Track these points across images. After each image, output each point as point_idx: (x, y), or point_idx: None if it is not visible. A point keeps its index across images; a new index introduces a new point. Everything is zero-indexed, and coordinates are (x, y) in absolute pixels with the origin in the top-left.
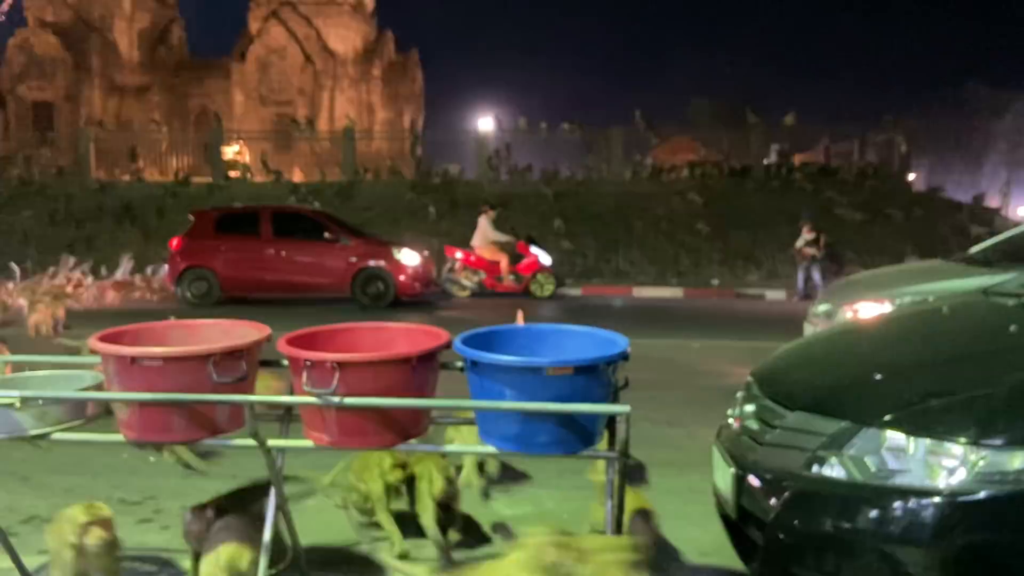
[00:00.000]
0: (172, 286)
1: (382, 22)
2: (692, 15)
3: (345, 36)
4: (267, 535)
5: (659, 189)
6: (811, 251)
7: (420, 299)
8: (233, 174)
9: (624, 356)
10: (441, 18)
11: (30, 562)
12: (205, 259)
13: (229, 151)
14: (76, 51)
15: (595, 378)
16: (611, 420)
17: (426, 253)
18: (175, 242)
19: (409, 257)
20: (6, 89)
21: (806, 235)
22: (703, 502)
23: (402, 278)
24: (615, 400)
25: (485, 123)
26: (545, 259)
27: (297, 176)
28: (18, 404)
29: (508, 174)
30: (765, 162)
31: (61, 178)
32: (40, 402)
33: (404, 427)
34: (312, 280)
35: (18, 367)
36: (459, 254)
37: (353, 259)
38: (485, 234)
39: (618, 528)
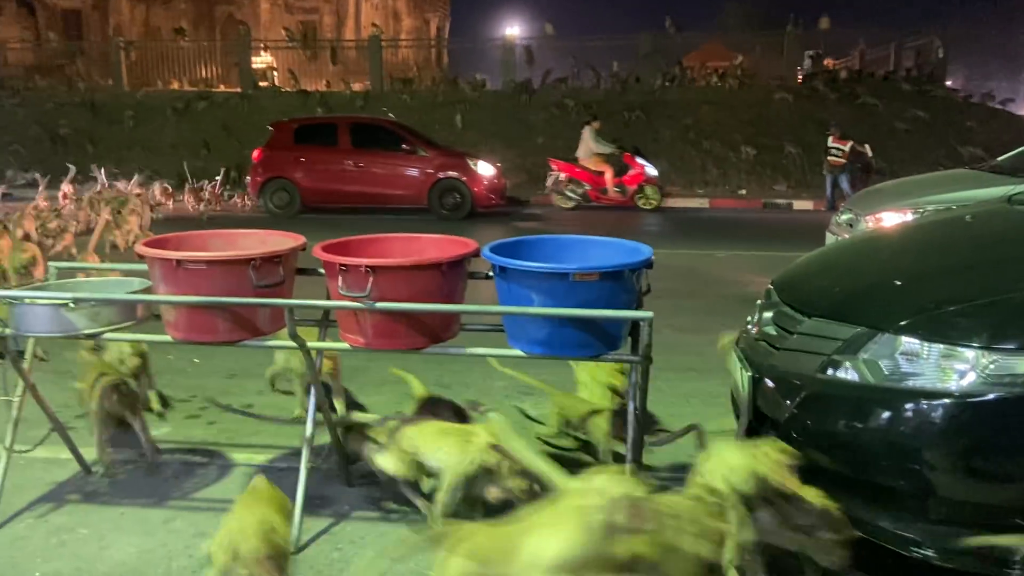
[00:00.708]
0: (255, 197)
1: None
2: None
3: None
4: (309, 431)
5: (687, 96)
6: (839, 160)
7: (496, 210)
8: (262, 84)
9: (648, 264)
10: None
11: (87, 454)
12: (285, 170)
13: (258, 61)
14: None
15: (619, 284)
16: (634, 325)
17: (499, 165)
18: (256, 153)
19: (485, 168)
20: None
21: (834, 143)
22: (720, 405)
23: (478, 189)
24: (639, 307)
25: (512, 29)
26: (651, 171)
27: (321, 85)
28: (71, 305)
29: (537, 84)
30: (798, 68)
31: (95, 89)
32: (92, 303)
33: (435, 331)
34: (390, 191)
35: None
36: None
37: (430, 170)
38: (589, 145)
39: (639, 428)
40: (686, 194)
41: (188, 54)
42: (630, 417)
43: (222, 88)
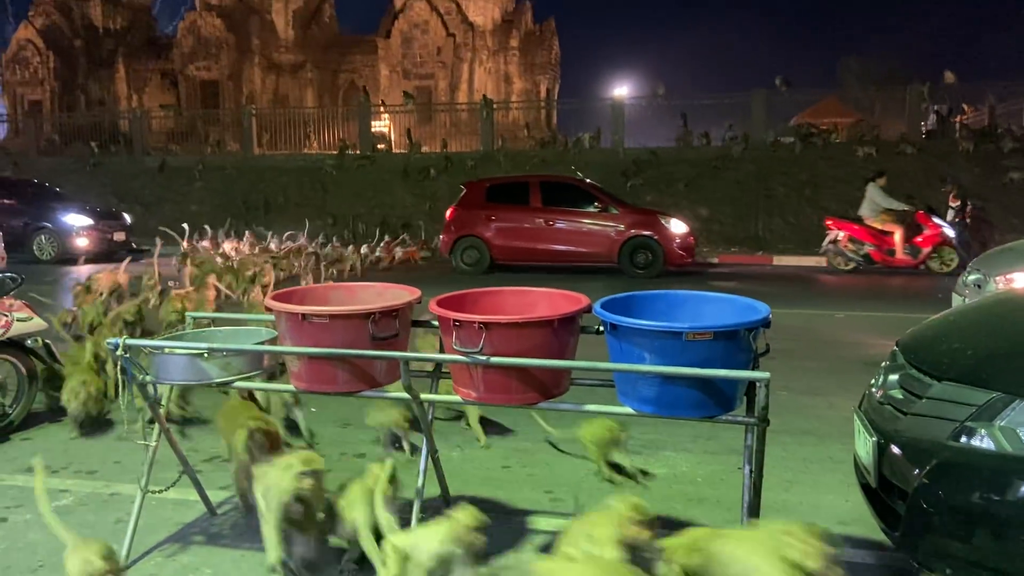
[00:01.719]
0: (446, 254)
1: None
2: None
3: (484, 8)
4: (420, 481)
5: (803, 153)
6: (952, 219)
7: (687, 268)
8: (380, 146)
9: (766, 323)
10: None
11: (213, 496)
12: (476, 228)
13: (378, 124)
14: (238, 32)
15: (735, 344)
16: (750, 386)
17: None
18: (449, 212)
19: (677, 226)
20: (178, 70)
21: (951, 203)
22: (842, 472)
23: (670, 247)
24: (755, 367)
25: (620, 90)
26: (949, 231)
27: (436, 146)
28: (206, 355)
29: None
30: (922, 124)
31: (228, 153)
32: (224, 354)
33: (546, 386)
34: (580, 249)
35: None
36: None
37: (621, 228)
38: (876, 203)
39: (756, 492)
40: (801, 252)
41: (313, 119)
42: (745, 481)
43: (338, 149)
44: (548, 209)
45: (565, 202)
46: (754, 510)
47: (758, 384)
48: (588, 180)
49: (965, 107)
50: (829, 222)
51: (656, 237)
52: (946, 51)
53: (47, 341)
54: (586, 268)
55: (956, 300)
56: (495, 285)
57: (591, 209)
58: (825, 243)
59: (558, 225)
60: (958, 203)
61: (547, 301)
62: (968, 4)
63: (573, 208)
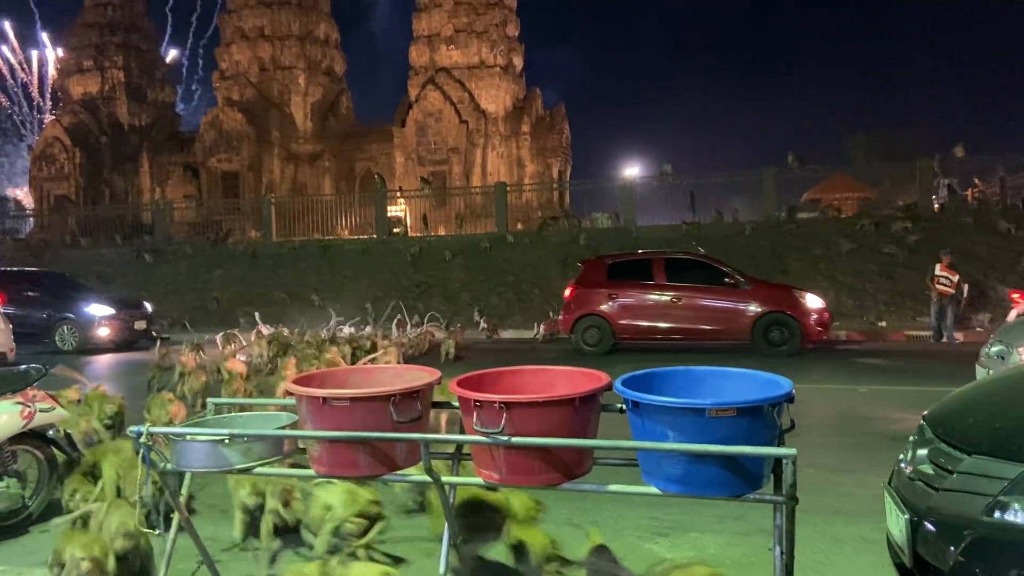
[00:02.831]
0: (568, 333)
1: (530, 80)
2: (842, 46)
3: (496, 96)
4: (441, 568)
5: (816, 229)
6: (948, 289)
7: (823, 345)
8: (396, 231)
9: (789, 398)
10: (586, 71)
11: None
12: (598, 307)
13: (394, 209)
14: (258, 125)
15: (759, 420)
16: (777, 463)
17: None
18: (568, 291)
19: (813, 301)
20: (200, 162)
21: (942, 271)
22: (875, 552)
23: (808, 323)
24: (781, 443)
25: (631, 170)
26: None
27: (451, 229)
28: (227, 441)
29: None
30: (934, 199)
31: (248, 241)
32: (245, 439)
33: (568, 466)
34: (709, 327)
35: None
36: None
37: (754, 304)
38: None
39: (788, 574)
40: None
41: (331, 206)
42: (777, 563)
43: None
44: (674, 286)
45: (691, 279)
46: None
47: (785, 461)
48: (711, 256)
49: (976, 181)
50: (1016, 295)
51: (792, 313)
52: (955, 125)
53: (68, 432)
54: (715, 346)
55: (980, 372)
56: (621, 365)
57: (720, 285)
58: (1011, 316)
59: (685, 302)
60: (955, 275)
61: (567, 379)
62: (976, 78)
63: (700, 284)
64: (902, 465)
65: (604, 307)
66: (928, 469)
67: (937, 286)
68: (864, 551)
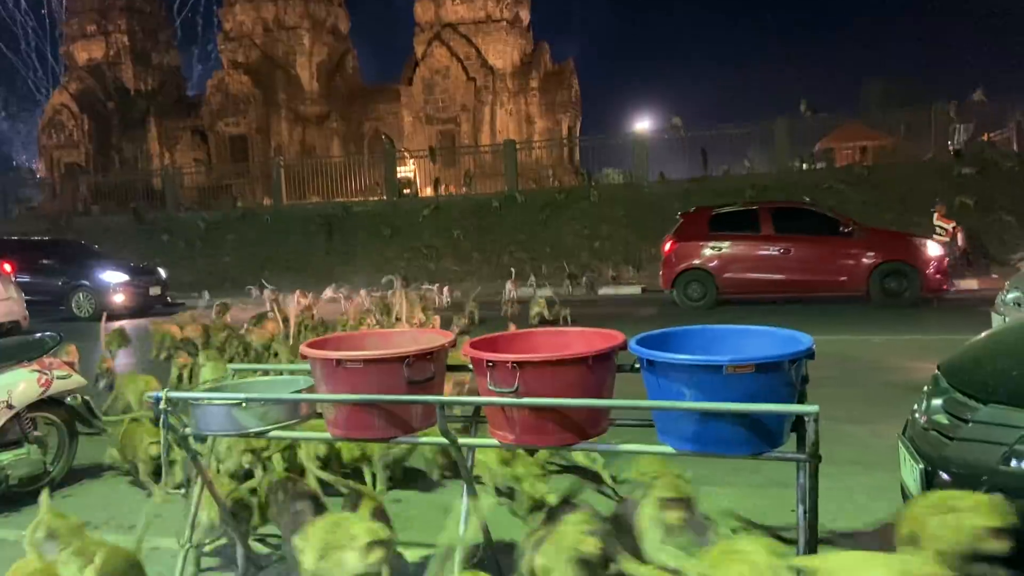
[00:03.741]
0: (668, 289)
1: (538, 34)
2: None
3: (503, 51)
4: (462, 528)
5: (827, 179)
6: (942, 239)
7: (944, 296)
8: (405, 191)
9: (810, 354)
10: (595, 24)
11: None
12: (701, 261)
13: (403, 170)
14: (264, 87)
15: (778, 377)
16: (799, 420)
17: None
18: (668, 245)
19: (933, 248)
20: (207, 126)
21: (938, 220)
22: (889, 500)
23: (929, 272)
24: (802, 400)
25: (642, 124)
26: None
27: (460, 188)
28: (243, 405)
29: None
30: (949, 145)
31: (259, 205)
32: (261, 404)
33: (583, 427)
34: (821, 279)
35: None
36: None
37: (870, 254)
38: None
39: (812, 531)
40: None
41: (340, 168)
42: (800, 521)
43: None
44: (783, 237)
45: (800, 229)
46: (811, 550)
47: (807, 418)
48: (819, 205)
49: (986, 136)
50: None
51: (911, 262)
52: (971, 71)
53: (86, 398)
54: (826, 298)
55: (995, 319)
56: (724, 320)
57: (832, 234)
58: None
59: (795, 254)
60: (951, 223)
61: (582, 339)
62: (992, 24)
63: (811, 235)
64: (916, 415)
65: (708, 261)
66: (943, 419)
67: (933, 236)
68: (878, 500)
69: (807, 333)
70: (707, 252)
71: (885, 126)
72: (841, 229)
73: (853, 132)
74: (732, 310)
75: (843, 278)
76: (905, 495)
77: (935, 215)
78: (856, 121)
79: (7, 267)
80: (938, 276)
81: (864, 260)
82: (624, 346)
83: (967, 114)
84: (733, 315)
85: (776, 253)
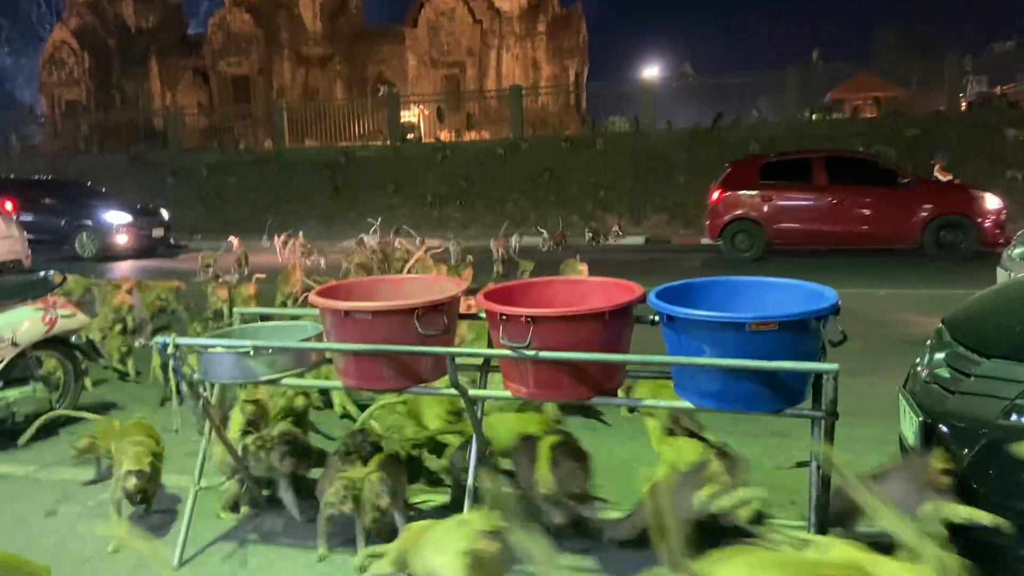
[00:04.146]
0: (714, 239)
1: None
2: None
3: None
4: (470, 481)
5: (837, 131)
6: None
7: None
8: (409, 136)
9: (835, 310)
10: None
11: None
12: (749, 210)
13: (407, 115)
14: (267, 27)
15: (802, 334)
16: (817, 378)
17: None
18: (715, 194)
19: (992, 201)
20: (209, 66)
21: (937, 173)
22: (886, 452)
23: (987, 226)
24: (824, 357)
25: (650, 71)
26: None
27: (465, 135)
28: (252, 353)
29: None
30: (961, 96)
31: (261, 149)
32: (269, 351)
33: (598, 381)
34: (874, 231)
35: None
36: None
37: (927, 206)
38: None
39: (825, 487)
40: None
41: (343, 111)
42: (813, 476)
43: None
44: (835, 187)
45: (854, 179)
46: (823, 506)
47: (825, 376)
48: (876, 155)
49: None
50: None
51: (969, 214)
52: (987, 22)
53: (90, 337)
54: (879, 251)
55: (1001, 275)
56: (773, 272)
57: (887, 185)
58: None
59: (849, 204)
60: (948, 176)
61: (601, 291)
62: None
63: (865, 185)
64: (918, 368)
65: (757, 210)
66: (945, 373)
67: None
68: (875, 452)
69: (857, 286)
70: (757, 202)
71: (898, 77)
72: (900, 180)
73: (865, 83)
74: (779, 261)
75: (897, 230)
76: (904, 447)
77: (935, 167)
78: (868, 72)
79: (8, 206)
80: (996, 230)
81: (920, 212)
82: (643, 299)
83: (982, 67)
84: (780, 267)
85: (829, 203)
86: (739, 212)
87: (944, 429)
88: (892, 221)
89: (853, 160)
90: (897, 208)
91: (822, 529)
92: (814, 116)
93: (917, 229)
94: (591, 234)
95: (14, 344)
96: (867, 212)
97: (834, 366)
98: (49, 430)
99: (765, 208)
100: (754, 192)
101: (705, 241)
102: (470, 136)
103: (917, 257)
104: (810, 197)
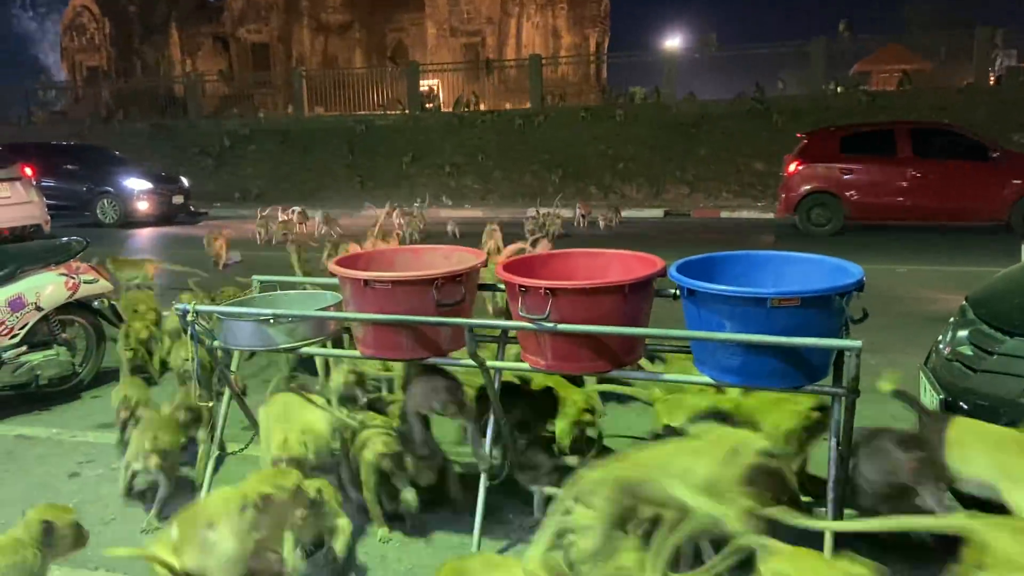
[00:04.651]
0: (789, 213)
1: None
2: None
3: None
4: (487, 447)
5: (860, 104)
6: None
7: None
8: (428, 105)
9: (859, 286)
10: None
11: None
12: (829, 183)
13: (427, 83)
14: None
15: (825, 310)
16: (839, 354)
17: None
18: (792, 165)
19: None
20: (229, 33)
21: None
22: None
23: None
24: (846, 334)
25: (672, 41)
26: None
27: (484, 104)
28: (272, 321)
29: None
30: (990, 70)
31: (281, 116)
32: (289, 320)
33: (617, 354)
34: (959, 205)
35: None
36: None
37: (1016, 181)
38: None
39: (843, 464)
40: None
41: (363, 80)
42: (832, 453)
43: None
44: (921, 160)
45: (941, 152)
46: (841, 482)
47: (848, 353)
48: (964, 127)
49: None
50: None
51: None
52: None
53: (112, 302)
54: (966, 227)
55: None
56: (851, 250)
57: (974, 159)
58: None
59: (934, 178)
60: None
61: (620, 264)
62: None
63: (953, 159)
64: (940, 346)
65: (836, 183)
66: (967, 350)
67: None
68: None
69: (936, 263)
70: (836, 174)
71: (925, 50)
72: (989, 154)
73: (892, 55)
74: (858, 236)
75: (983, 206)
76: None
77: None
78: (896, 43)
79: (28, 171)
80: None
81: (1009, 187)
82: (663, 273)
83: (1013, 41)
84: (860, 243)
85: (913, 177)
86: (817, 185)
87: (964, 407)
88: (979, 196)
89: (939, 132)
90: (985, 183)
91: (839, 508)
92: (839, 89)
93: (1005, 204)
94: (611, 213)
95: (38, 308)
96: (952, 186)
97: (857, 343)
98: (72, 393)
99: (845, 181)
100: (833, 164)
101: (726, 215)
102: (483, 105)
103: (1003, 234)
104: (894, 170)
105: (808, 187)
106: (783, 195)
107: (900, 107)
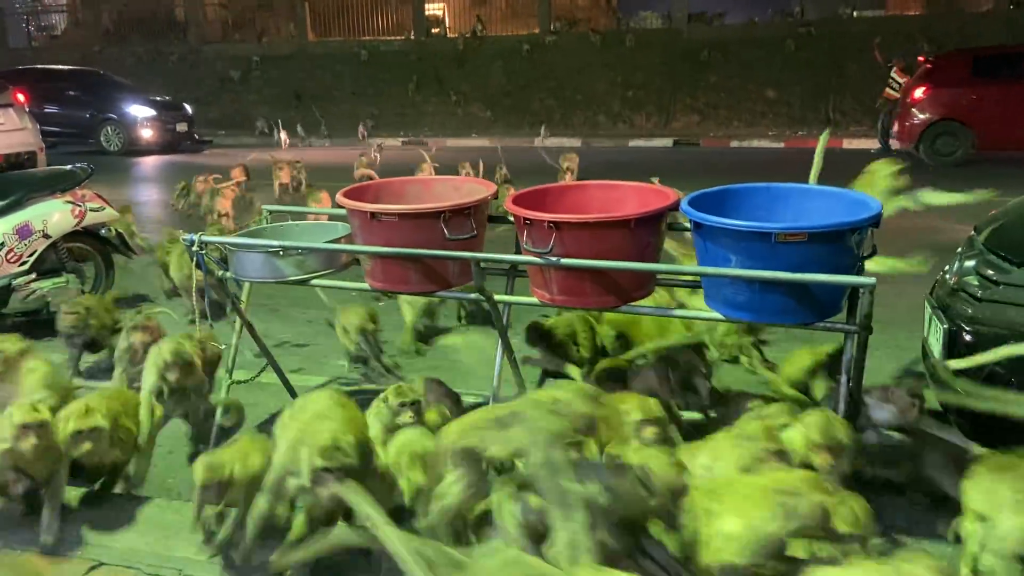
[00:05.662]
0: (909, 145)
1: None
2: None
3: None
4: (495, 382)
5: (877, 29)
6: (894, 94)
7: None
8: (434, 31)
9: (874, 222)
10: None
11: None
12: (958, 111)
13: (432, 8)
14: None
15: (836, 246)
16: (852, 291)
17: None
18: (919, 90)
19: None
20: None
21: (896, 75)
22: (908, 359)
23: None
24: (860, 270)
25: None
26: None
27: (493, 29)
28: (281, 253)
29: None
30: None
31: (284, 40)
32: (299, 252)
33: (625, 289)
34: None
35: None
36: None
37: None
38: None
39: (853, 400)
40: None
41: (367, 3)
42: (842, 389)
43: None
44: None
45: None
46: (851, 418)
47: (861, 291)
48: None
49: None
50: None
51: None
52: None
53: (120, 231)
54: None
55: None
56: (985, 180)
57: None
58: None
59: None
60: (906, 79)
61: (637, 196)
62: None
63: None
64: (947, 276)
65: (965, 111)
66: (974, 280)
67: (887, 91)
68: (897, 359)
69: None
70: (966, 100)
71: None
72: None
73: None
74: (988, 170)
75: None
76: (926, 355)
77: (893, 70)
78: None
79: (20, 97)
80: None
81: None
82: (676, 206)
83: None
84: (991, 174)
85: None
86: (945, 112)
87: (969, 337)
88: None
89: None
90: None
91: None
92: (855, 13)
93: None
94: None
95: (45, 236)
96: None
97: (871, 280)
98: None
99: (978, 108)
100: (964, 89)
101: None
102: (485, 31)
103: None
104: None
105: (934, 115)
106: (904, 124)
107: (920, 32)
